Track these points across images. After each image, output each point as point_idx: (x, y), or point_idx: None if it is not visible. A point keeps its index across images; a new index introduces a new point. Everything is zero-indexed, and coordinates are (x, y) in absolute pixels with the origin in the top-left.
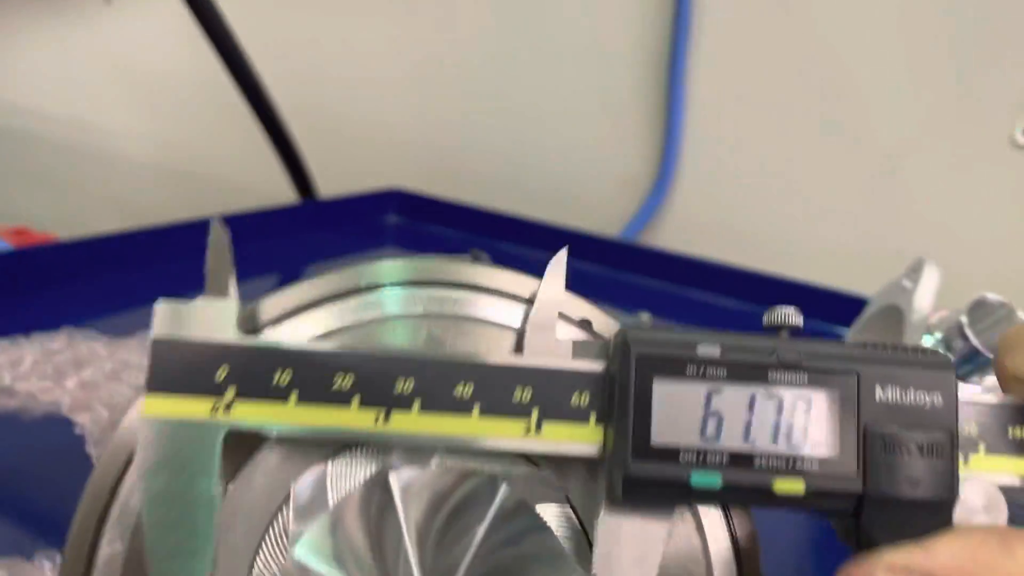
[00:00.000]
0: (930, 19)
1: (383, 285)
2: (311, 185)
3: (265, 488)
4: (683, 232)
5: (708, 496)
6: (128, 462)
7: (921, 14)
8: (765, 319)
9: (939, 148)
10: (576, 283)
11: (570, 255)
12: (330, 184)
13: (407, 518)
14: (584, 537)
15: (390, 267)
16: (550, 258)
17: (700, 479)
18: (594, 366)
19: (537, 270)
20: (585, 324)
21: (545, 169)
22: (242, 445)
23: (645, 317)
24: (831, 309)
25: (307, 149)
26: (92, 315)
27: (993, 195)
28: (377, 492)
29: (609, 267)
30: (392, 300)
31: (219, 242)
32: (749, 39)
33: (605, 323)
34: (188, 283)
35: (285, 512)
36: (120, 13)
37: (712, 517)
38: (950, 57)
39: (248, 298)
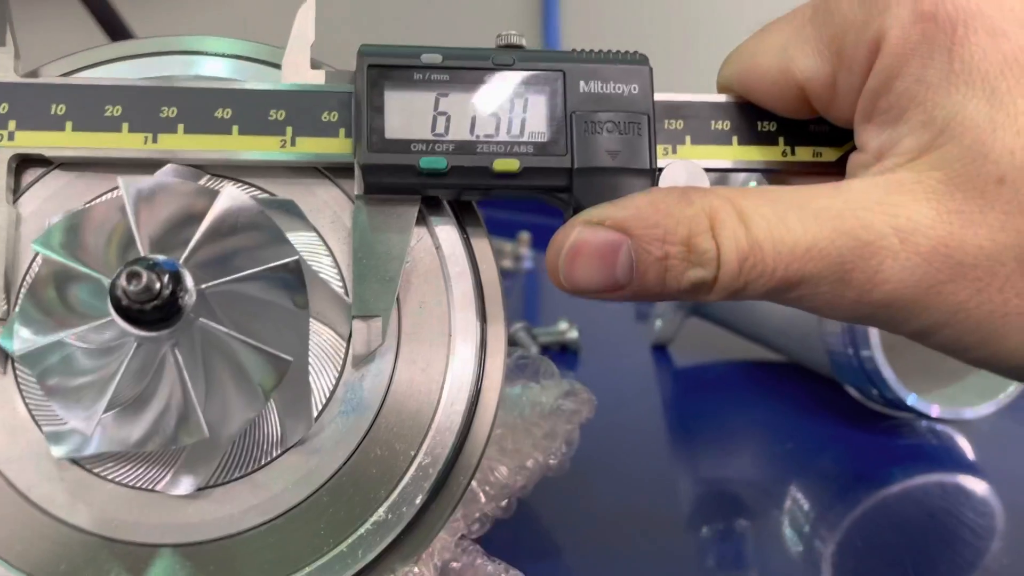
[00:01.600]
0: None
1: (160, 51)
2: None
3: (38, 217)
4: None
5: (437, 178)
6: None
7: None
8: (496, 40)
9: None
10: None
11: None
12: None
13: (139, 224)
14: (328, 251)
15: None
16: None
17: (428, 162)
18: (342, 87)
19: None
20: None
21: (427, 21)
22: (27, 172)
23: (524, 236)
24: None
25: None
26: None
27: None
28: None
29: None
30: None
31: None
32: None
33: None
34: None
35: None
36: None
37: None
38: None
39: None
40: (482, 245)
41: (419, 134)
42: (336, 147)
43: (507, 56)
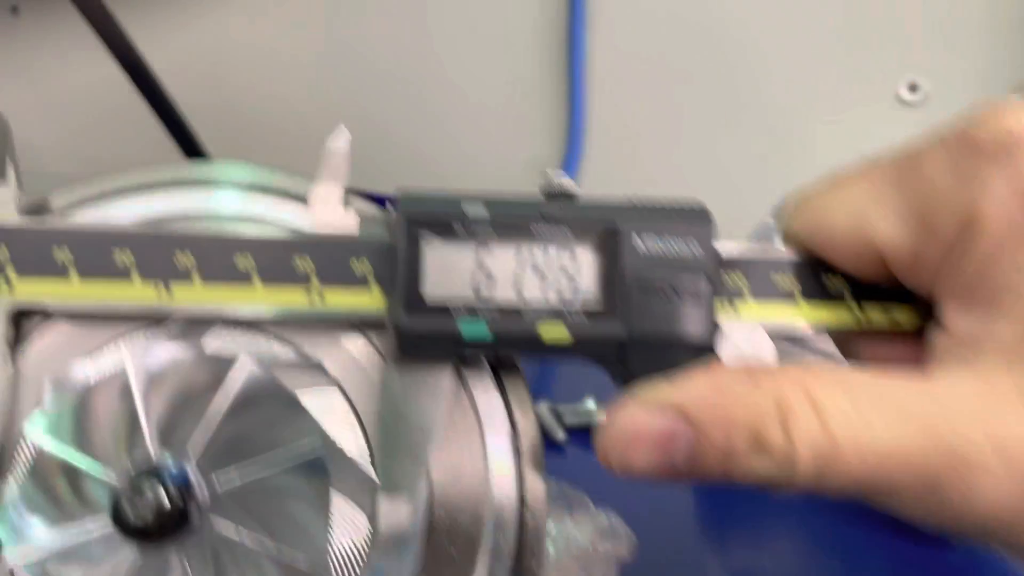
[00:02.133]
0: None
1: (174, 182)
2: (205, 154)
3: (38, 364)
4: None
5: (480, 346)
6: None
7: None
8: (540, 187)
9: (829, 110)
10: None
11: None
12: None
13: (141, 396)
14: (354, 414)
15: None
16: None
17: (470, 330)
18: (376, 235)
19: None
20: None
21: (451, 156)
22: (25, 321)
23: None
24: None
25: (208, 127)
26: None
27: (878, 150)
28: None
29: None
30: (190, 197)
31: None
32: (644, 15)
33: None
34: None
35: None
36: (29, 25)
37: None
38: (835, 11)
39: None
40: (520, 395)
41: (459, 294)
42: (368, 302)
43: (555, 207)
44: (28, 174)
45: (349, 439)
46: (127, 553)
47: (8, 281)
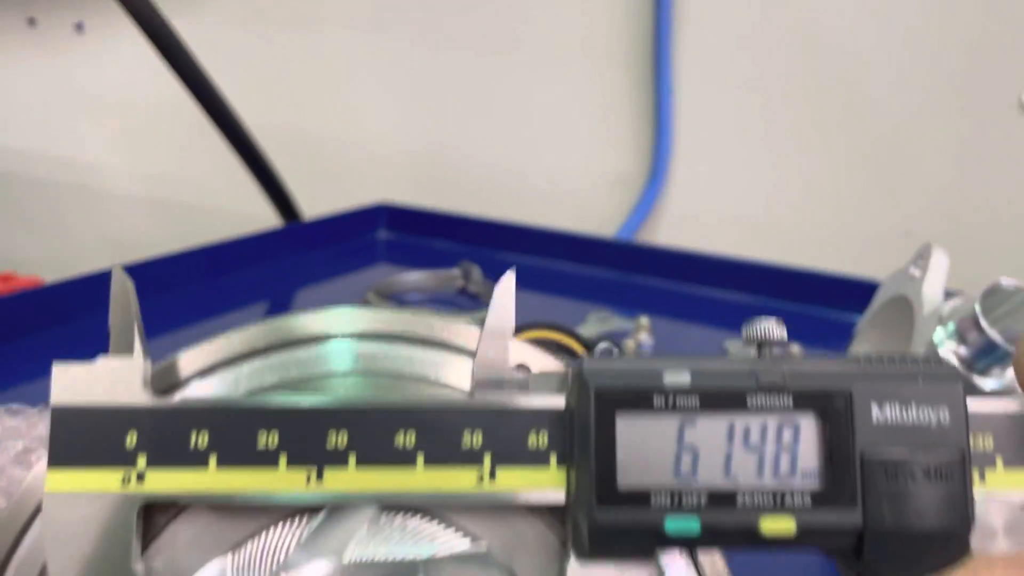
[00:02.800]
0: None
1: (321, 338)
2: (294, 208)
3: (173, 570)
4: (680, 228)
5: (686, 542)
6: (21, 533)
7: None
8: (744, 335)
9: (941, 119)
10: (574, 287)
11: (566, 259)
12: (316, 205)
13: None
14: None
15: (329, 317)
16: (547, 264)
17: (676, 525)
18: (552, 401)
19: (532, 277)
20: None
21: (536, 173)
22: (157, 512)
23: (644, 321)
24: (838, 296)
25: (289, 171)
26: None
27: (1001, 166)
28: None
29: (606, 268)
30: (331, 355)
31: (122, 294)
32: (733, 25)
33: (546, 366)
34: (176, 314)
35: None
36: (92, 44)
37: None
38: (950, 20)
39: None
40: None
41: (660, 477)
42: (547, 481)
43: (776, 373)
44: (91, 193)
45: None
46: None
47: (138, 472)
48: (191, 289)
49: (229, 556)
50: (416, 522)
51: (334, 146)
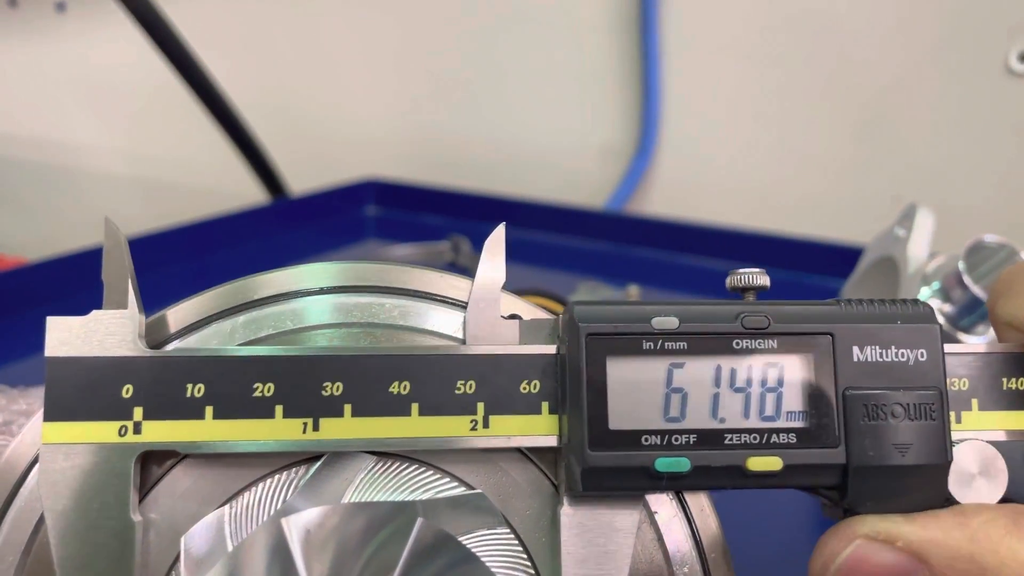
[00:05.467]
0: None
1: (306, 292)
2: (281, 184)
3: (170, 519)
4: (670, 197)
5: (676, 480)
6: (25, 474)
7: None
8: (728, 283)
9: (927, 81)
10: (564, 259)
11: (556, 231)
12: (303, 181)
13: (311, 572)
14: (528, 558)
15: (314, 270)
16: (536, 236)
17: (666, 464)
18: (543, 349)
19: (522, 249)
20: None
21: (524, 146)
22: (153, 463)
23: (633, 290)
24: (826, 261)
25: (276, 148)
26: None
27: (988, 128)
28: (277, 542)
29: (596, 239)
30: (318, 308)
31: (114, 247)
32: None
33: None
34: (163, 292)
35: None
36: (74, 23)
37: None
38: None
39: None
40: (709, 525)
41: (650, 419)
42: (540, 427)
43: (760, 316)
44: (77, 173)
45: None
46: None
47: (135, 423)
48: (178, 268)
49: (227, 507)
50: (412, 471)
51: (321, 122)
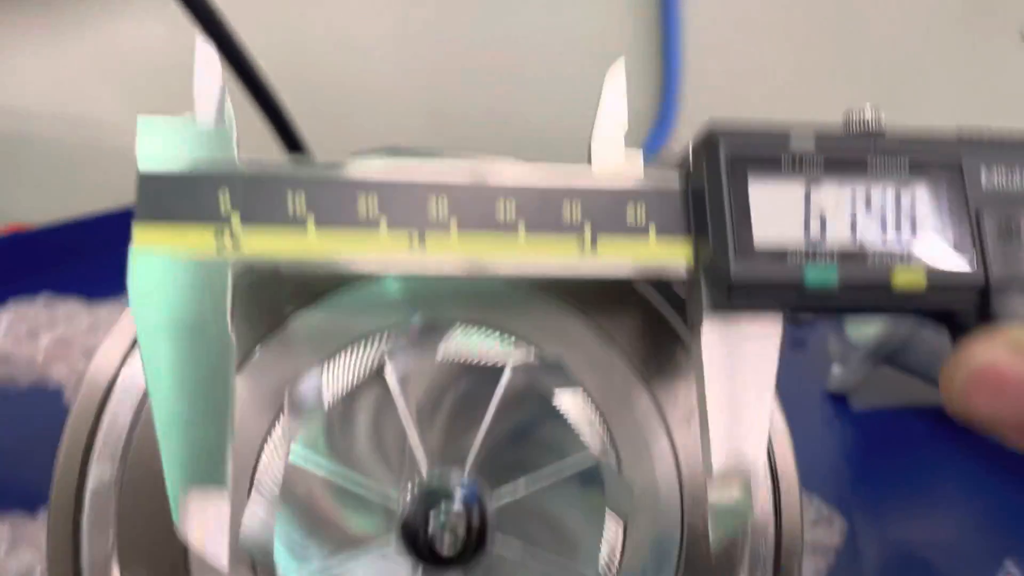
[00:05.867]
0: None
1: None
2: (304, 150)
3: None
4: None
5: (823, 297)
6: (108, 391)
7: None
8: (843, 119)
9: (945, 51)
10: None
11: None
12: (324, 149)
13: (407, 411)
14: (603, 422)
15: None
16: None
17: (815, 276)
18: (655, 175)
19: None
20: None
21: (543, 114)
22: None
23: None
24: None
25: (297, 115)
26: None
27: (1006, 97)
28: (376, 387)
29: None
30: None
31: (207, 63)
32: None
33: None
34: None
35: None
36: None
37: None
38: None
39: None
40: None
41: (792, 240)
42: (647, 253)
43: (892, 141)
44: (98, 151)
45: (598, 444)
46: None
47: (233, 234)
48: None
49: (326, 363)
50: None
51: (340, 88)
